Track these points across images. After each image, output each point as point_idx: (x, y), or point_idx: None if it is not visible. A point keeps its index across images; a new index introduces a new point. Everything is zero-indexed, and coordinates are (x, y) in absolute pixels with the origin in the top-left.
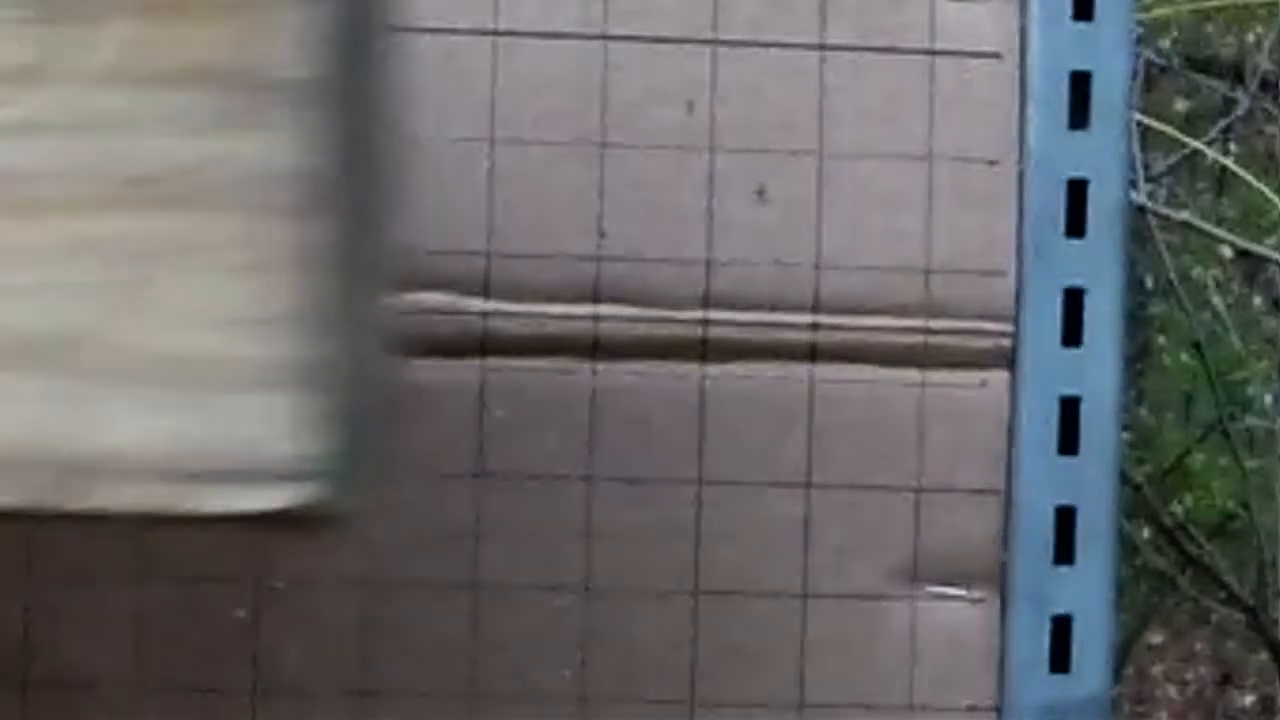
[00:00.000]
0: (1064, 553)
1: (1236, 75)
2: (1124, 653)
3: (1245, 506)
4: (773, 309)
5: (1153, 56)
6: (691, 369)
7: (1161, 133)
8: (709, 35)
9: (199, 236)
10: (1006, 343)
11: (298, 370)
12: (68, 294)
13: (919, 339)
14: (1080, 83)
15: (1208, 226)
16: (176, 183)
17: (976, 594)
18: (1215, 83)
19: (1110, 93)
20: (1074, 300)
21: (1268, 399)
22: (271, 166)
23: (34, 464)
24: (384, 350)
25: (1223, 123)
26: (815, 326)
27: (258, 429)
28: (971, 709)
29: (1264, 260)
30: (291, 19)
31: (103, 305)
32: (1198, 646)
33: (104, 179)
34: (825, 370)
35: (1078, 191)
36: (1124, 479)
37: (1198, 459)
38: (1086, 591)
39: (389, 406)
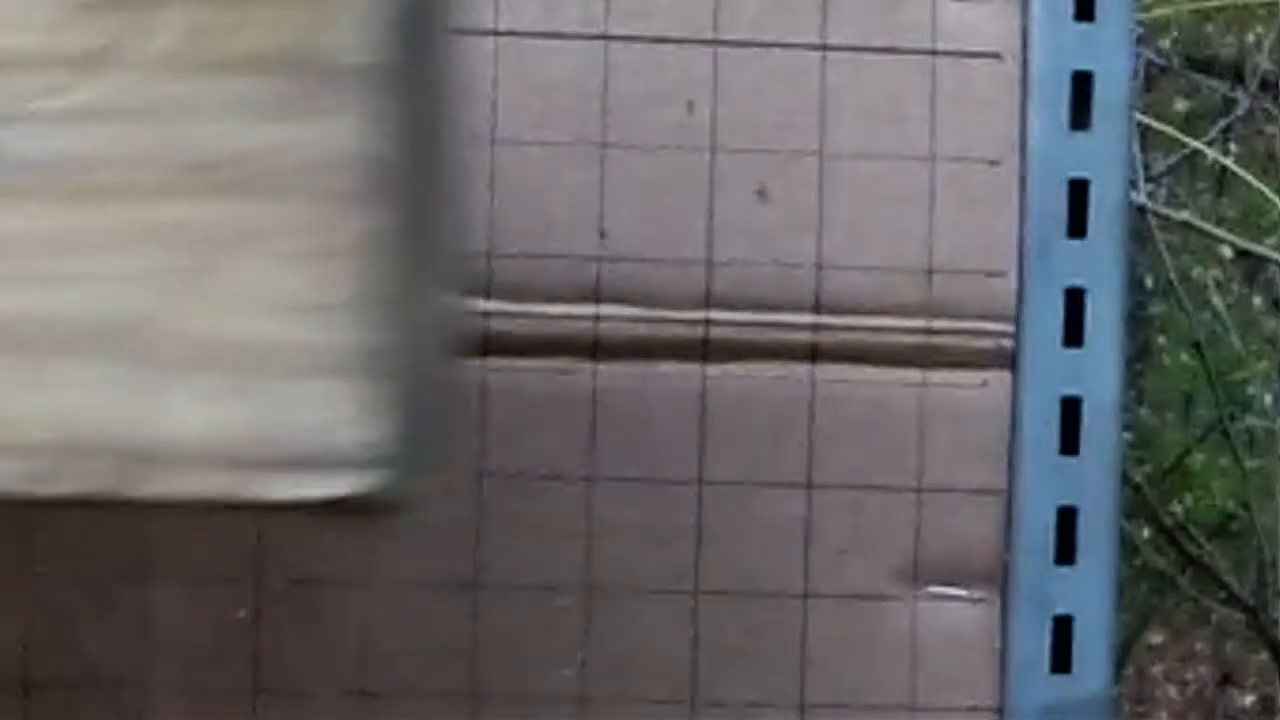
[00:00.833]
0: (1065, 553)
1: (1236, 75)
2: (1124, 653)
3: (1245, 506)
4: (773, 309)
5: (1153, 56)
6: (692, 369)
7: (1161, 133)
8: (710, 35)
9: (260, 223)
10: (1007, 343)
11: (360, 357)
12: (128, 280)
13: (920, 339)
14: (1082, 83)
15: (1208, 226)
16: (238, 169)
17: (977, 594)
18: (1215, 83)
19: (1112, 93)
20: (1075, 300)
21: (1268, 399)
22: (334, 152)
23: (94, 451)
24: (445, 337)
25: (1223, 123)
26: (816, 327)
27: (320, 416)
28: (972, 709)
29: (1264, 260)
30: (355, 4)
31: (163, 292)
32: (1198, 646)
33: (165, 165)
34: (826, 370)
35: (1079, 192)
36: (1124, 479)
37: (1198, 459)
38: (1088, 592)
39: (449, 392)
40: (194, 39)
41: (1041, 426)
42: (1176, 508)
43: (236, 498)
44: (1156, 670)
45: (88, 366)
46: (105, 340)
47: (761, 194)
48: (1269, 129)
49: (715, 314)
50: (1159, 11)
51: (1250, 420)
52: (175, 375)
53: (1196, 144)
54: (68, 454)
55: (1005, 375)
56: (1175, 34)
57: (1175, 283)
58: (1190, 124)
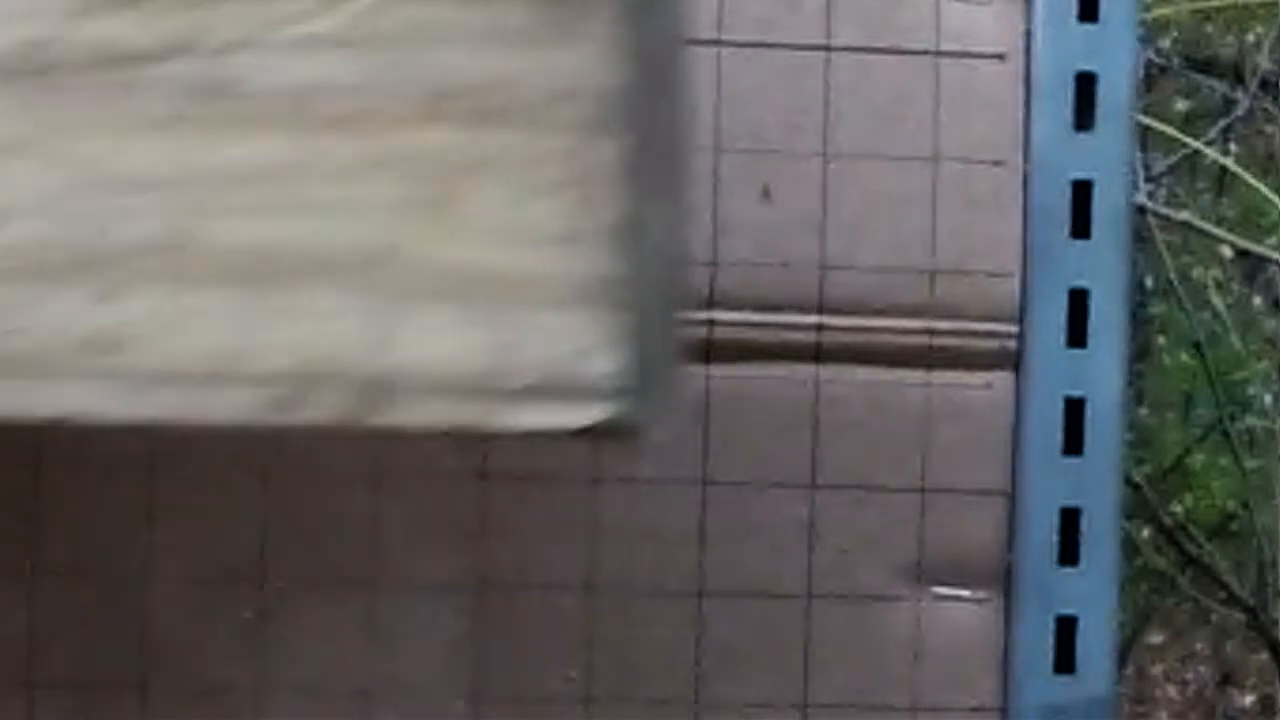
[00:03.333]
0: (1068, 553)
1: (1236, 75)
2: (1124, 653)
3: (1245, 506)
4: (777, 309)
5: (1153, 56)
6: (695, 370)
7: (1161, 133)
8: (714, 36)
9: (502, 152)
10: (1011, 344)
11: (600, 286)
12: (371, 210)
13: (924, 340)
14: (1085, 84)
15: (1208, 226)
16: (480, 98)
17: (981, 594)
18: (1215, 83)
19: (1115, 94)
20: (1078, 301)
21: (1268, 399)
22: (580, 82)
23: (334, 380)
24: (678, 266)
25: (1223, 123)
26: (820, 327)
27: (560, 345)
28: (975, 709)
29: (1264, 260)
30: None
31: (405, 221)
32: (1198, 646)
33: (408, 94)
34: (830, 371)
35: (1082, 192)
36: (1124, 479)
37: (1198, 459)
38: (1091, 592)
39: (679, 320)
40: None
41: (1045, 427)
42: (1176, 508)
43: (475, 427)
44: (1156, 670)
45: (329, 295)
46: (347, 269)
47: (766, 194)
48: (1269, 129)
49: (719, 314)
50: (1159, 11)
51: (1250, 420)
52: (416, 304)
53: (1196, 144)
54: (308, 382)
55: (1008, 376)
56: (1175, 34)
57: (1175, 283)
58: (1190, 124)
